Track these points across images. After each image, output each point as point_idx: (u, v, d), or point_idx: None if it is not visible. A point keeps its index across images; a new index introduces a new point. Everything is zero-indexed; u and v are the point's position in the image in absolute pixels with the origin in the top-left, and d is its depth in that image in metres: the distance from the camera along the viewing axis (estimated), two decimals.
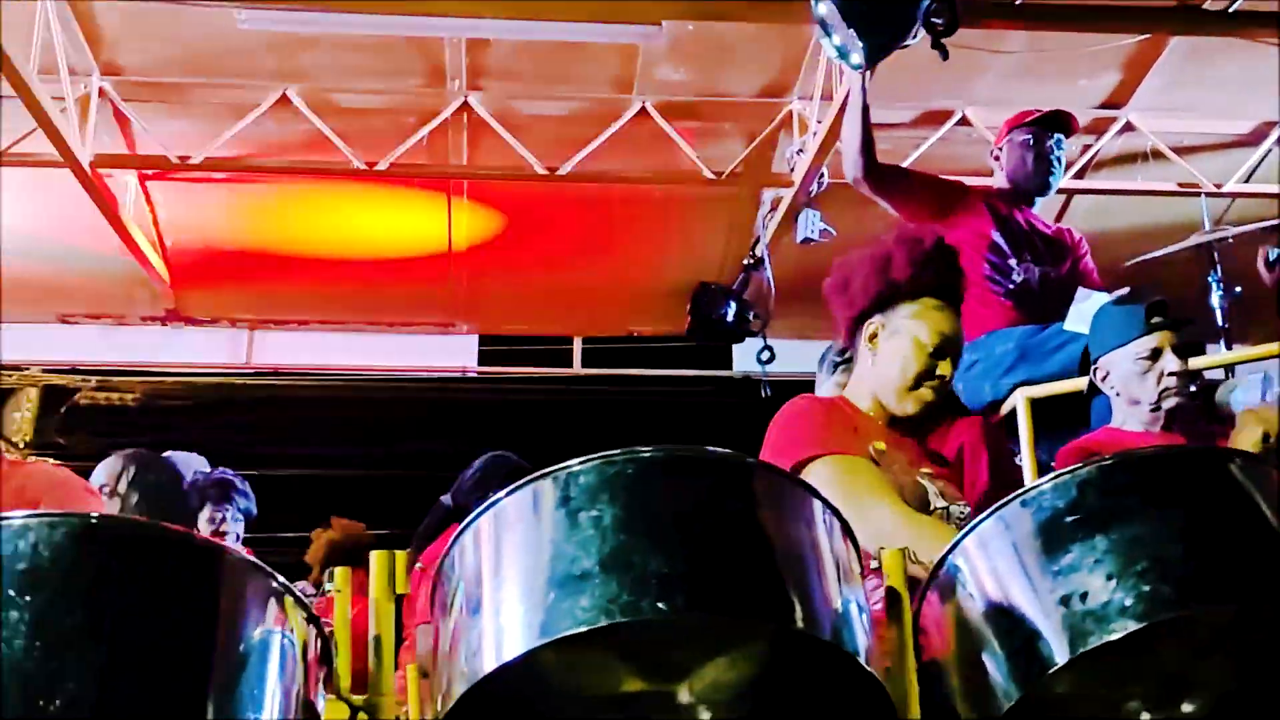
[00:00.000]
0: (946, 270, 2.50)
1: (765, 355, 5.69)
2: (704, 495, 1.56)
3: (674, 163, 5.96)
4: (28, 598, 1.39)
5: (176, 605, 1.50)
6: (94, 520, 1.53)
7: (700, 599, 1.45)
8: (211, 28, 5.23)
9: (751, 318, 5.85)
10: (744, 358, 6.63)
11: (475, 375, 7.45)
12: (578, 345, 7.23)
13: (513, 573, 1.54)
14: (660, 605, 1.42)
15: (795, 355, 6.22)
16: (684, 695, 1.70)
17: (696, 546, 1.48)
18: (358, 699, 1.67)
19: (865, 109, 3.82)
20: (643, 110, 5.72)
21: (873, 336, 2.47)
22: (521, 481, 1.60)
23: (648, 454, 1.57)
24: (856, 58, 3.68)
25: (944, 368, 2.42)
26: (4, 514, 1.49)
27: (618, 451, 1.58)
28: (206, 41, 5.35)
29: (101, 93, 5.51)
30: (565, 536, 1.49)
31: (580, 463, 1.57)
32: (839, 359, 3.35)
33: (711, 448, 1.63)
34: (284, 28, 5.20)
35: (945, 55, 3.62)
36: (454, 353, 7.18)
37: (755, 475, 1.62)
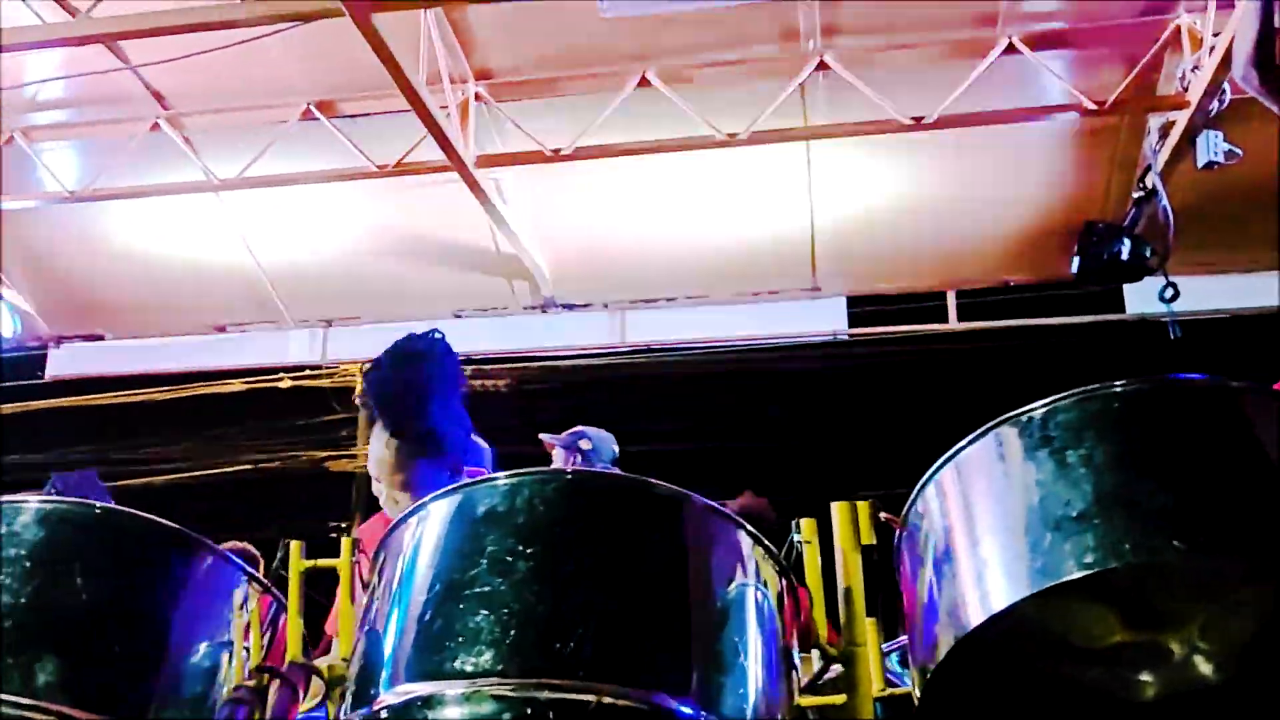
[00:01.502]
0: None
1: (1169, 293, 5.23)
2: (1200, 425, 1.45)
3: (1047, 97, 5.62)
4: (529, 549, 1.48)
5: (653, 549, 1.56)
6: (570, 475, 1.61)
7: (1220, 538, 1.34)
8: (573, 21, 5.42)
9: (1148, 254, 5.41)
10: (1137, 299, 6.16)
11: (846, 338, 7.34)
12: (951, 299, 6.94)
13: (993, 520, 1.48)
14: (1177, 544, 1.32)
15: (1201, 291, 5.72)
16: (1177, 646, 1.59)
17: (1204, 481, 1.38)
18: (833, 649, 1.66)
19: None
20: (1010, 46, 5.41)
21: None
22: (983, 428, 1.55)
23: (1127, 387, 1.50)
24: None
25: None
26: (493, 474, 1.60)
27: (1094, 386, 1.50)
28: (569, 35, 5.54)
29: (478, 96, 5.83)
30: (1052, 477, 1.42)
31: (1049, 403, 1.49)
32: None
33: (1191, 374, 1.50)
34: (643, 10, 5.30)
35: None
36: (822, 317, 7.06)
37: (1250, 401, 1.49)
